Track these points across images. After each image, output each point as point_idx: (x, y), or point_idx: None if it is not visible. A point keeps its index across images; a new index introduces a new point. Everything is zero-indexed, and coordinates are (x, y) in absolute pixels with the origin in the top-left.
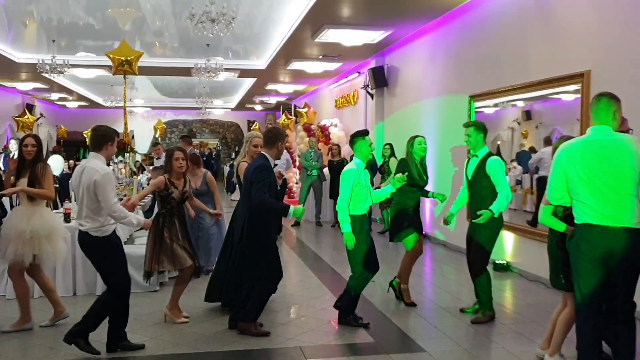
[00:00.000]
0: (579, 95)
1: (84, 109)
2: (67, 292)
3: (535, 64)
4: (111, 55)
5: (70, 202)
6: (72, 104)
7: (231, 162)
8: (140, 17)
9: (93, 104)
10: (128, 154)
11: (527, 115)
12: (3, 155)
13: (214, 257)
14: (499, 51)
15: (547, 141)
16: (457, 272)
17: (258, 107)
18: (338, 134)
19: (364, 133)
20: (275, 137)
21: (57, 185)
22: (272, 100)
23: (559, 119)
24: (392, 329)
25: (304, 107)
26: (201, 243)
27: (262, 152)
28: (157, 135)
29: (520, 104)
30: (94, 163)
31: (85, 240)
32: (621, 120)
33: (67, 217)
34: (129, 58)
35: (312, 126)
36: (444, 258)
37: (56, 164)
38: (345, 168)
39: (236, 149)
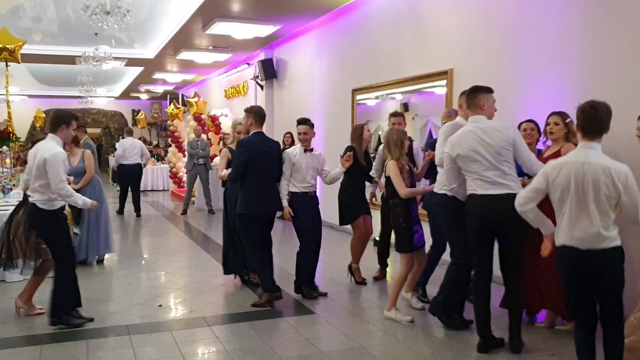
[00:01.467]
0: (426, 83)
1: None
2: None
3: (408, 61)
4: None
5: None
6: None
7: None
8: (18, 2)
9: None
10: (12, 144)
11: (405, 107)
12: None
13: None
14: (378, 49)
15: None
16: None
17: (144, 96)
18: (229, 124)
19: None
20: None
21: None
22: (159, 89)
23: (432, 110)
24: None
25: (193, 97)
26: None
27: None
28: (37, 125)
29: (399, 96)
30: (48, 143)
31: (34, 213)
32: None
33: None
34: (10, 46)
35: (202, 116)
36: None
37: None
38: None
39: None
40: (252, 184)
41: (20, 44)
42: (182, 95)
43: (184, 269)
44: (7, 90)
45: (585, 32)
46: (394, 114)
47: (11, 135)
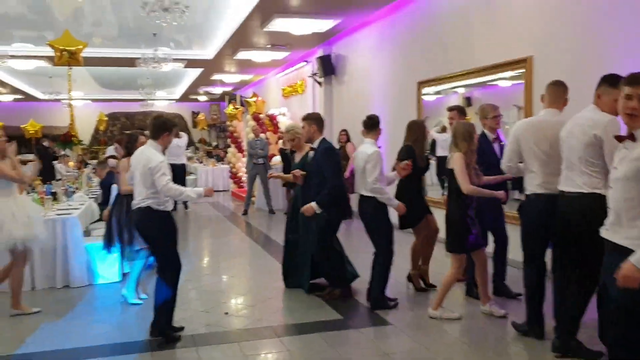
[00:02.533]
0: (515, 82)
1: (19, 102)
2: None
3: (480, 50)
4: (56, 45)
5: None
6: (6, 97)
7: None
8: (79, 6)
9: (29, 97)
10: (74, 147)
11: (468, 101)
12: None
13: None
14: (446, 38)
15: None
16: None
17: (202, 98)
18: (286, 123)
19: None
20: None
21: None
22: (217, 90)
23: (497, 105)
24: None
25: (252, 97)
26: None
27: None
28: (101, 129)
29: (461, 90)
30: (149, 151)
31: (146, 216)
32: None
33: None
34: (72, 48)
35: (261, 115)
36: None
37: None
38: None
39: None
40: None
41: (81, 46)
42: (240, 95)
43: (248, 272)
44: (70, 94)
45: None
46: (449, 108)
47: (73, 138)
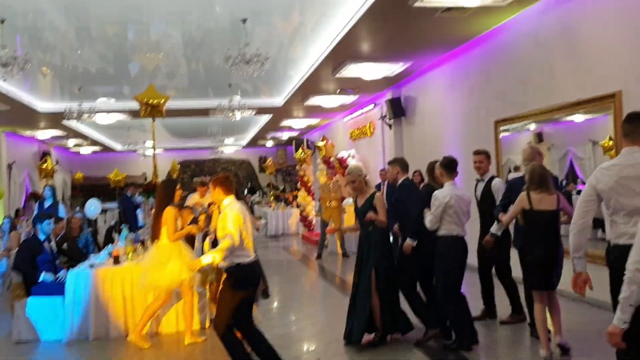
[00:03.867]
0: (589, 116)
1: (97, 153)
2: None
3: (562, 86)
4: (140, 99)
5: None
6: (86, 149)
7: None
8: (161, 61)
9: (106, 149)
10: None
11: (539, 137)
12: (37, 203)
13: None
14: (524, 75)
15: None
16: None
17: (269, 144)
18: (356, 165)
19: None
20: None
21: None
22: (285, 135)
23: (571, 140)
24: None
25: (322, 140)
26: None
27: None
28: (174, 176)
29: (532, 126)
30: None
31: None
32: None
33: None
34: (156, 101)
35: (331, 159)
36: None
37: (95, 206)
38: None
39: (248, 185)
40: None
41: (163, 99)
42: (307, 139)
43: (330, 318)
44: (154, 143)
45: None
46: (476, 152)
47: (156, 188)
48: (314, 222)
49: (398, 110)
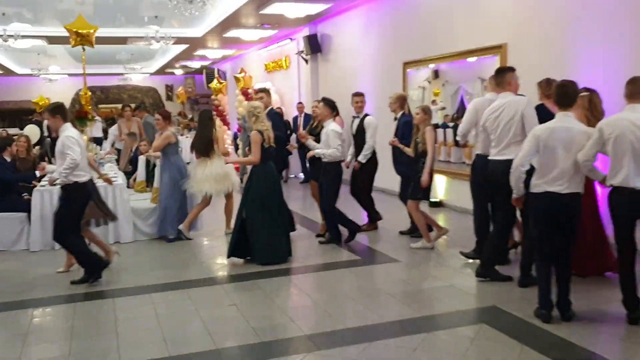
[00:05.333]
0: (480, 57)
1: None
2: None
3: (461, 35)
4: (71, 29)
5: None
6: None
7: None
8: None
9: (8, 72)
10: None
11: (435, 74)
12: None
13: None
14: (430, 23)
15: None
16: None
17: (178, 72)
18: (272, 97)
19: None
20: None
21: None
22: (196, 64)
23: (462, 77)
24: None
25: (240, 72)
26: None
27: None
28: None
29: (431, 64)
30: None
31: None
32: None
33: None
34: (86, 31)
35: (249, 90)
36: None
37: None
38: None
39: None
40: None
41: (93, 30)
42: (218, 69)
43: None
44: (84, 71)
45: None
46: (355, 94)
47: (87, 115)
48: (229, 150)
49: (315, 46)
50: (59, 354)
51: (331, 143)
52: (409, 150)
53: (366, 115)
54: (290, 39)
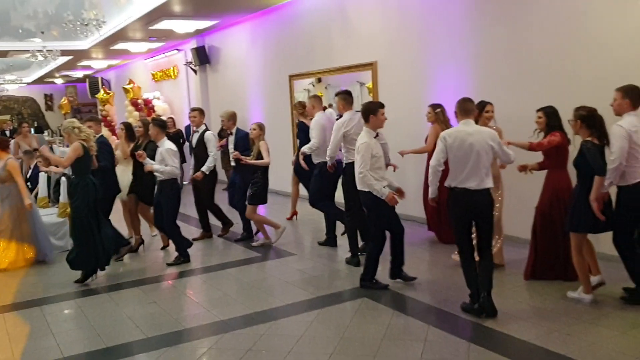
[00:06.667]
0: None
1: None
2: None
3: (339, 53)
4: None
5: None
6: None
7: None
8: None
9: None
10: None
11: (319, 79)
12: None
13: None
14: (311, 41)
15: None
16: None
17: (59, 81)
18: (162, 106)
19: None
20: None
21: None
22: (79, 73)
23: (343, 81)
24: None
25: (129, 83)
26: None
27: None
28: None
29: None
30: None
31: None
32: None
33: None
34: None
35: (139, 100)
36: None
37: None
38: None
39: (35, 125)
40: None
41: None
42: (101, 78)
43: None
44: None
45: (478, 33)
46: (192, 109)
47: None
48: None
49: (203, 57)
50: (2, 357)
51: (168, 162)
52: (254, 161)
53: (206, 130)
54: (177, 49)
